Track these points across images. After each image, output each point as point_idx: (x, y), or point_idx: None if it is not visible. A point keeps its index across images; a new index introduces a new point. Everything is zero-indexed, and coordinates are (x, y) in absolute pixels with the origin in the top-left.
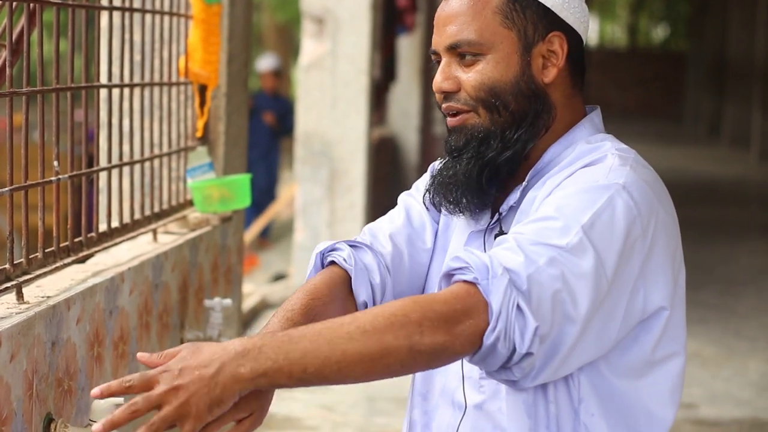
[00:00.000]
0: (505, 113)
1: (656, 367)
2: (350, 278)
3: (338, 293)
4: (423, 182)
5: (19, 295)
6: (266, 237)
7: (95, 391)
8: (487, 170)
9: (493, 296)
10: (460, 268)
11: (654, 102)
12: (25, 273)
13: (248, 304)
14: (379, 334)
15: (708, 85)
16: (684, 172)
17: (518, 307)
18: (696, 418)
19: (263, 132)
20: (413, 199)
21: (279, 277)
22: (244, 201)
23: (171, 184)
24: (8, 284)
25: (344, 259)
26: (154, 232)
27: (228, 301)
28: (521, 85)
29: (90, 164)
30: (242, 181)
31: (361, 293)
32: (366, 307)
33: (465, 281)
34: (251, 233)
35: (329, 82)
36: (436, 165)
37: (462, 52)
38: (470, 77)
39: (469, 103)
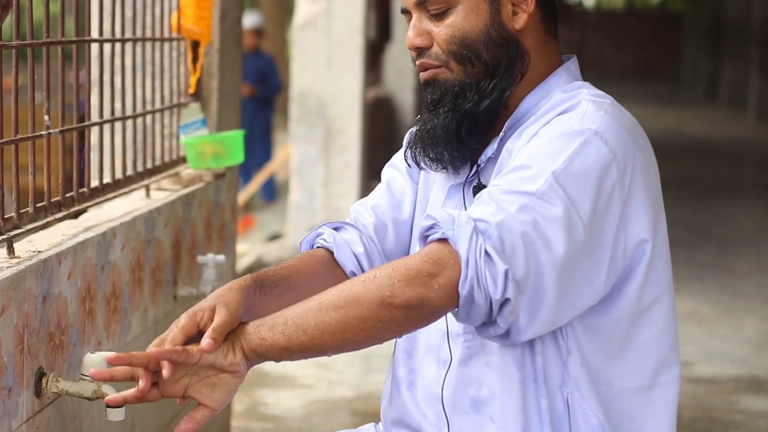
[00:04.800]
0: (478, 64)
1: (643, 315)
2: (333, 255)
3: (320, 268)
4: (402, 151)
5: (10, 250)
6: (271, 199)
7: (110, 356)
8: (466, 123)
9: (459, 245)
10: (431, 227)
11: (651, 63)
12: (15, 227)
13: (243, 263)
14: (351, 291)
15: (705, 46)
16: (681, 133)
17: (486, 252)
18: (692, 376)
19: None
20: (394, 168)
21: (274, 237)
22: (238, 157)
23: (164, 140)
24: None
25: (325, 240)
26: (147, 188)
27: (221, 258)
28: (492, 34)
29: (81, 121)
30: (235, 137)
31: (347, 264)
32: (355, 275)
33: (438, 239)
34: (246, 194)
35: (324, 41)
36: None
37: (431, 7)
38: (441, 31)
39: (440, 58)
